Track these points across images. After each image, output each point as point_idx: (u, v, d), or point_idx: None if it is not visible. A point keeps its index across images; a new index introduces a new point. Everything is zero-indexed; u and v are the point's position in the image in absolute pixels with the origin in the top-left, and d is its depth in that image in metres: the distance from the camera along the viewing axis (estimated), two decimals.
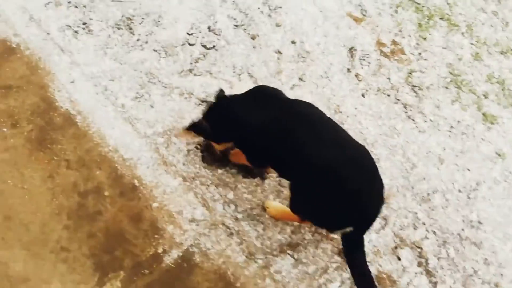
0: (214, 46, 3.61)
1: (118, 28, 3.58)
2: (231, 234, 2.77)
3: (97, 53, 3.40)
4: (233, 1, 3.80)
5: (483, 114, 3.47)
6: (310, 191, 2.23)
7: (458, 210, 3.12)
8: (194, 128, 2.62)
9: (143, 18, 3.67)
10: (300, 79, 3.55)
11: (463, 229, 3.04)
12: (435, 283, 2.73)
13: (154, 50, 3.51)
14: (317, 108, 2.47)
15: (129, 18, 3.64)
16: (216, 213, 2.84)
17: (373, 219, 2.16)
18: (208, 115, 2.61)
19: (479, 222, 3.10)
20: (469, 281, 2.78)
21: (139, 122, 3.13)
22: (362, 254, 2.19)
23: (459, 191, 3.21)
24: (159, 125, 3.14)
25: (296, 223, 2.72)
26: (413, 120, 3.45)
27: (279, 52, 3.65)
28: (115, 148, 2.98)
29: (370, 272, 2.27)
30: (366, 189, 2.05)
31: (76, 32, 3.48)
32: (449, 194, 3.17)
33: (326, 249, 2.79)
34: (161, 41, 3.54)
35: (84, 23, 3.53)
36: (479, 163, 3.31)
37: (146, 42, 3.54)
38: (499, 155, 3.37)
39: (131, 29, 3.60)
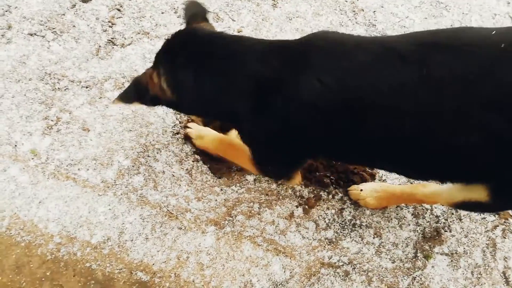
0: None
1: None
2: (345, 273, 1.58)
3: None
4: None
5: None
6: None
7: None
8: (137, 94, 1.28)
9: None
10: None
11: None
12: None
13: (31, 34, 1.93)
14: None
15: None
16: (300, 251, 1.61)
17: None
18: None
19: None
20: None
21: (81, 167, 1.66)
22: None
23: None
24: (119, 154, 1.70)
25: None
26: None
27: None
28: (67, 236, 1.53)
29: None
30: None
31: None
32: None
33: (473, 216, 1.74)
34: (34, 15, 1.96)
35: None
36: None
37: (10, 27, 1.93)
38: None
39: None
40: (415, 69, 1.02)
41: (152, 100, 1.32)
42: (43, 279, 1.46)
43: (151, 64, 1.94)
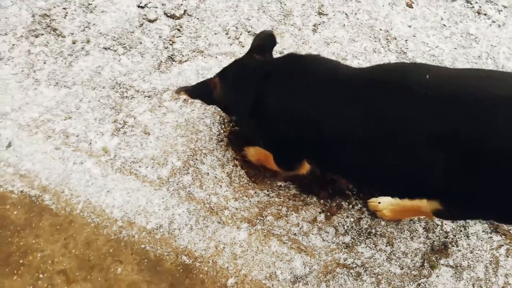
0: (185, 12, 2.42)
1: (37, 36, 2.28)
2: (358, 274, 1.82)
3: (23, 84, 2.14)
4: None
5: None
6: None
7: None
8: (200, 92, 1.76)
9: (65, 8, 2.37)
10: (320, 13, 2.49)
11: None
12: None
13: (105, 48, 2.28)
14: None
15: (45, 15, 2.34)
16: (319, 251, 1.87)
17: None
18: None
19: None
20: None
21: (142, 165, 1.99)
22: None
23: None
24: (173, 156, 2.02)
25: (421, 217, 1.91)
26: (485, 14, 2.53)
27: None
28: (128, 221, 1.87)
29: None
30: None
31: None
32: None
33: (480, 234, 1.93)
34: (108, 31, 2.31)
35: None
36: None
37: (88, 41, 2.29)
38: None
39: (55, 30, 2.31)
40: (361, 104, 1.33)
41: (212, 100, 1.74)
42: (107, 254, 1.80)
43: (203, 79, 2.26)
